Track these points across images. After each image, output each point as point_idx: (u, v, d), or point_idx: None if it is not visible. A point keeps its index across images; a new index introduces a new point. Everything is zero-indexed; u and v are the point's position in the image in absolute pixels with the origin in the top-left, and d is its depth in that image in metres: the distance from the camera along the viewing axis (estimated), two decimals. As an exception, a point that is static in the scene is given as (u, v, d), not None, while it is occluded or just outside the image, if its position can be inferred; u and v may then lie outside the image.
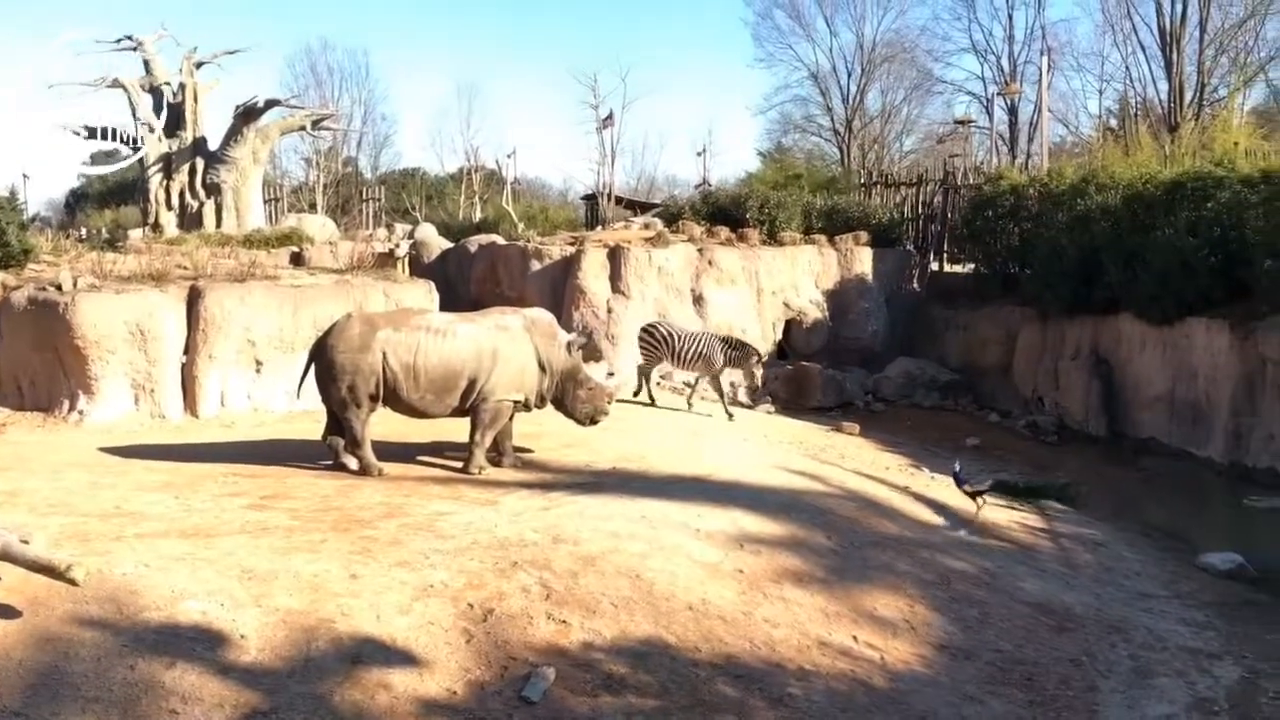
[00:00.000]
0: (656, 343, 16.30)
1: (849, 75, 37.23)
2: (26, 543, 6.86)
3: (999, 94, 33.40)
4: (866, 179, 27.01)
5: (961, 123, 32.74)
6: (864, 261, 21.25)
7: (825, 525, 10.03)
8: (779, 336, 20.41)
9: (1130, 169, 19.33)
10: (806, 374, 18.96)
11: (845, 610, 8.35)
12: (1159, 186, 17.58)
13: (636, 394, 16.43)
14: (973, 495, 11.54)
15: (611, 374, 14.12)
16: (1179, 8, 25.84)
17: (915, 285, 22.69)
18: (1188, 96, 26.06)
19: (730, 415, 16.16)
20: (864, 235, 21.66)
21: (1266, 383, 14.52)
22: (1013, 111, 33.25)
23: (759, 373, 16.85)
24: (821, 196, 23.63)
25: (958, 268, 23.03)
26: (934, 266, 23.34)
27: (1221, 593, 10.19)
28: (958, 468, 12.04)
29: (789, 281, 20.25)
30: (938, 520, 11.33)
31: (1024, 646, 8.25)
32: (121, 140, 23.71)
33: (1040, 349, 18.96)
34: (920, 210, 24.14)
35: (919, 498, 12.31)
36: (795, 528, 9.84)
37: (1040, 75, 29.45)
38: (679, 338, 16.16)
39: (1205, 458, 15.48)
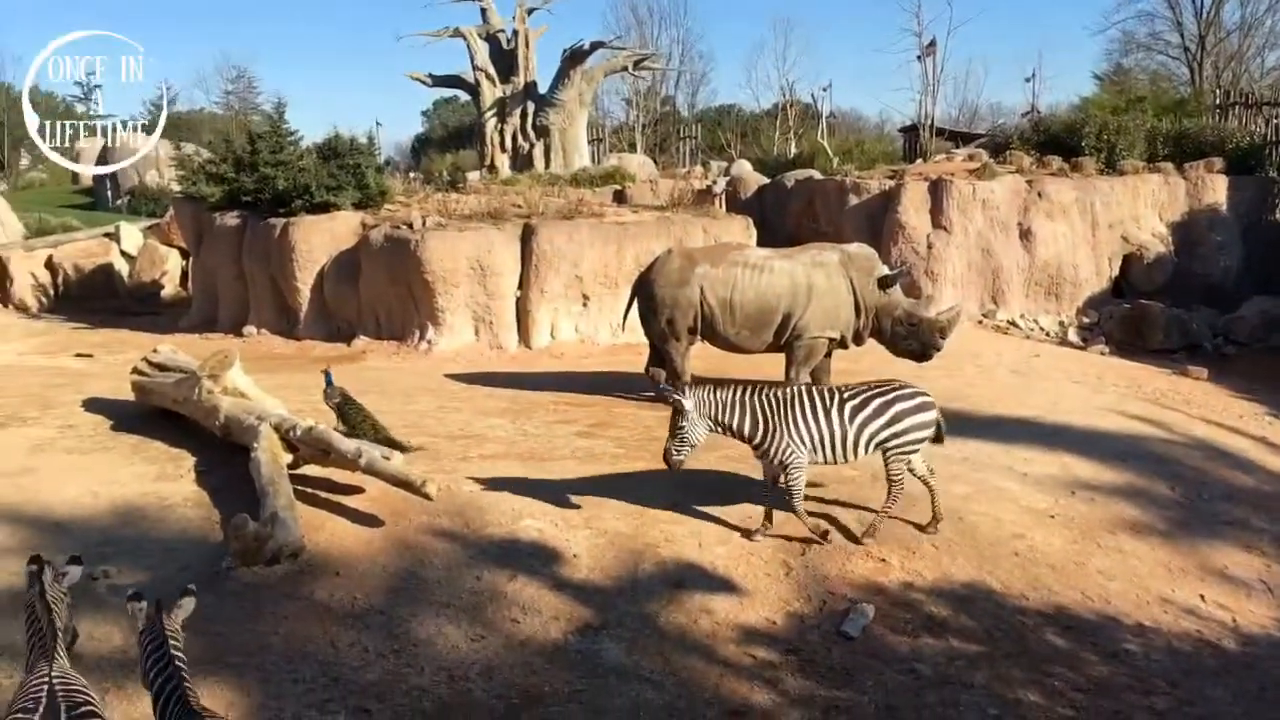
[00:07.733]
0: None
1: (1203, -15, 33.64)
2: (388, 459, 7.58)
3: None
4: (1222, 100, 24.46)
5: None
6: (1217, 191, 19.34)
7: (1167, 474, 9.34)
8: (1115, 273, 19.00)
9: None
10: (1146, 313, 17.55)
11: (1190, 567, 7.77)
12: None
13: None
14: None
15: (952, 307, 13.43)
16: None
17: (1277, 216, 20.42)
18: None
19: None
20: (1217, 162, 19.70)
21: None
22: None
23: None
24: (1168, 121, 21.65)
25: (1330, 196, 20.43)
26: (1301, 195, 20.86)
27: None
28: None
29: (1129, 214, 18.79)
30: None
31: (1406, 619, 7.37)
32: (461, 87, 25.23)
33: None
34: (1286, 133, 21.60)
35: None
36: (1132, 475, 9.23)
37: None
38: None
39: None
